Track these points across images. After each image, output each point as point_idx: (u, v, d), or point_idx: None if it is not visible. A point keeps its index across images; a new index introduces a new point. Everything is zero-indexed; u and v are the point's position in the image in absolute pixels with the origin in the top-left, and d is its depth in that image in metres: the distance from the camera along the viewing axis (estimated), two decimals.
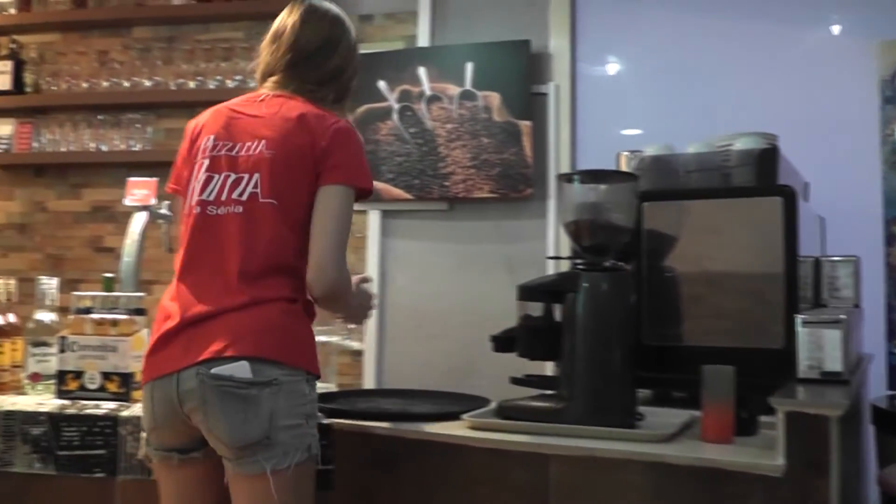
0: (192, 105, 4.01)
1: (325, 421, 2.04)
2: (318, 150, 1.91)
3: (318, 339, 2.00)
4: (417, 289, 3.80)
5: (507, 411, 2.07)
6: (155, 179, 2.69)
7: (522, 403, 2.07)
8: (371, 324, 3.76)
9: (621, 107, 3.74)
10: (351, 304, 2.08)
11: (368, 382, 3.70)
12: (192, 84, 3.99)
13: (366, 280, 2.21)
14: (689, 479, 1.76)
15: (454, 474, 2.01)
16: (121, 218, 4.11)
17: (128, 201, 2.71)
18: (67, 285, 3.36)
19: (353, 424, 2.10)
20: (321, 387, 2.03)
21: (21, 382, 2.47)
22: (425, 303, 3.78)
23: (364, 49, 3.82)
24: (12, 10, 4.37)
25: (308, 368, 1.87)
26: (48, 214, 4.29)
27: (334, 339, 2.67)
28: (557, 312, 2.08)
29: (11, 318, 2.52)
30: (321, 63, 2.06)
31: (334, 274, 1.90)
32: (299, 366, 1.85)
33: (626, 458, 1.80)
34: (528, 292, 2.15)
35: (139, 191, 2.71)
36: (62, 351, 2.33)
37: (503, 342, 2.18)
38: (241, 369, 1.77)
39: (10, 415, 2.22)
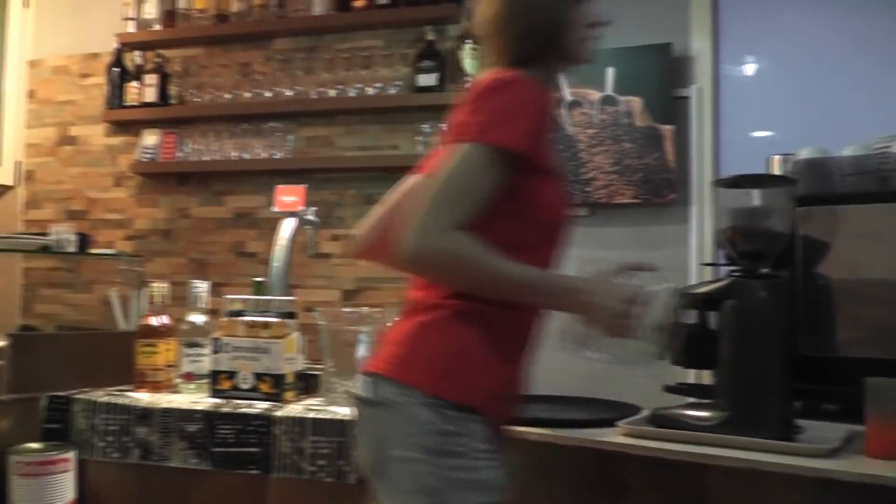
0: (333, 113, 4.11)
1: None
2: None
3: None
4: None
5: (662, 419, 2.04)
6: (303, 186, 2.75)
7: (679, 412, 2.03)
8: None
9: (765, 108, 3.65)
10: (509, 290, 1.64)
11: None
12: (332, 92, 4.07)
13: (636, 268, 1.81)
14: (854, 496, 1.69)
15: (610, 482, 1.98)
16: (262, 224, 4.22)
17: (276, 207, 2.76)
18: (211, 289, 3.46)
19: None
20: None
21: (174, 381, 2.55)
22: None
23: None
24: (157, 27, 4.53)
25: (429, 390, 1.56)
26: (192, 221, 4.43)
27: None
28: (712, 320, 2.04)
29: (165, 319, 2.59)
30: (489, 26, 1.78)
31: (414, 238, 1.52)
32: (415, 385, 1.56)
33: (788, 472, 1.75)
34: (682, 300, 2.11)
35: (287, 197, 2.77)
36: (215, 352, 2.40)
37: None
38: (364, 386, 1.62)
39: (167, 412, 2.29)
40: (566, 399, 2.44)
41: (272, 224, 4.09)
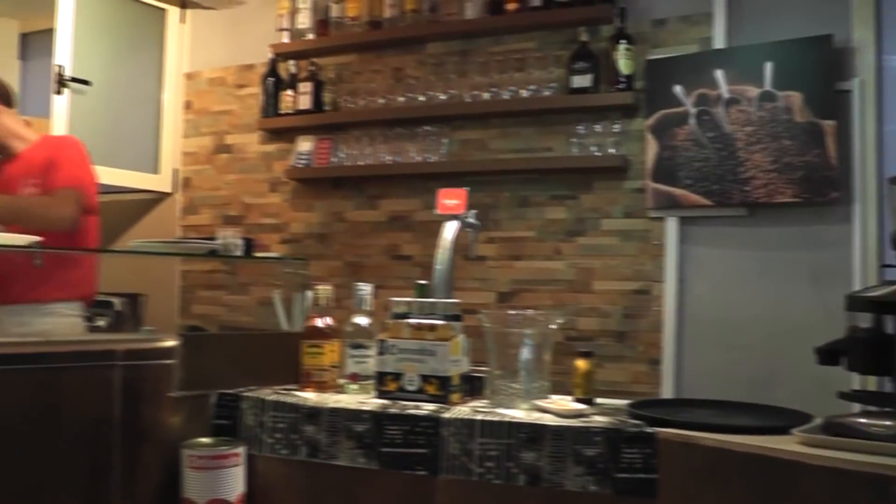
0: (487, 116, 4.11)
1: (649, 430, 1.99)
2: None
3: None
4: (717, 297, 3.69)
5: (839, 428, 1.94)
6: (465, 189, 2.73)
7: (856, 421, 1.93)
8: (669, 333, 3.70)
9: None
10: None
11: (667, 392, 3.63)
12: (486, 95, 4.07)
13: None
14: None
15: (785, 491, 1.90)
16: (417, 227, 4.25)
17: (438, 210, 2.75)
18: None
19: (677, 434, 2.03)
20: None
21: (339, 381, 2.57)
22: (725, 312, 3.66)
23: (658, 54, 3.80)
24: (311, 36, 4.61)
25: None
26: (346, 224, 4.49)
27: None
28: (888, 324, 1.93)
29: (329, 321, 2.61)
30: None
31: None
32: None
33: None
34: (858, 303, 2.01)
35: (449, 200, 2.76)
36: (381, 353, 2.40)
37: (828, 354, 2.04)
38: None
39: (334, 411, 2.30)
40: (732, 404, 2.34)
41: (426, 227, 4.14)
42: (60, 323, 3.35)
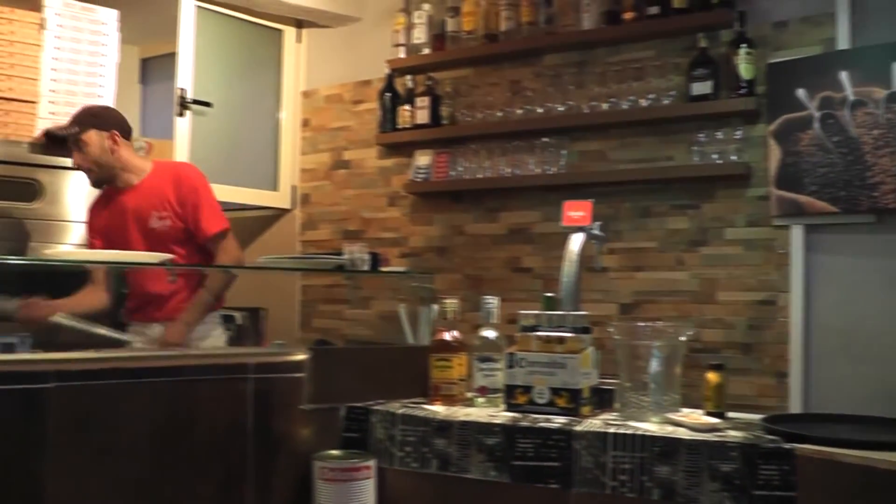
0: (606, 127, 4.08)
1: (786, 445, 1.94)
2: None
3: None
4: (845, 307, 3.58)
5: None
6: (590, 201, 2.71)
7: None
8: (796, 345, 3.60)
9: None
10: None
11: (794, 406, 3.54)
12: (604, 106, 4.04)
13: None
14: None
15: None
16: (537, 239, 4.24)
17: (564, 223, 2.74)
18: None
19: (816, 450, 1.97)
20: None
21: (467, 395, 2.57)
22: (853, 322, 3.55)
23: (780, 57, 3.71)
24: (427, 50, 4.65)
25: None
26: (466, 237, 4.50)
27: None
28: None
29: (456, 334, 2.62)
30: None
31: None
32: None
33: None
34: None
35: (575, 212, 2.74)
36: (510, 366, 2.40)
37: None
38: None
39: (465, 425, 2.30)
40: (870, 419, 2.25)
41: (547, 239, 4.13)
42: (205, 331, 3.58)
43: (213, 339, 3.59)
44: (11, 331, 3.38)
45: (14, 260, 3.28)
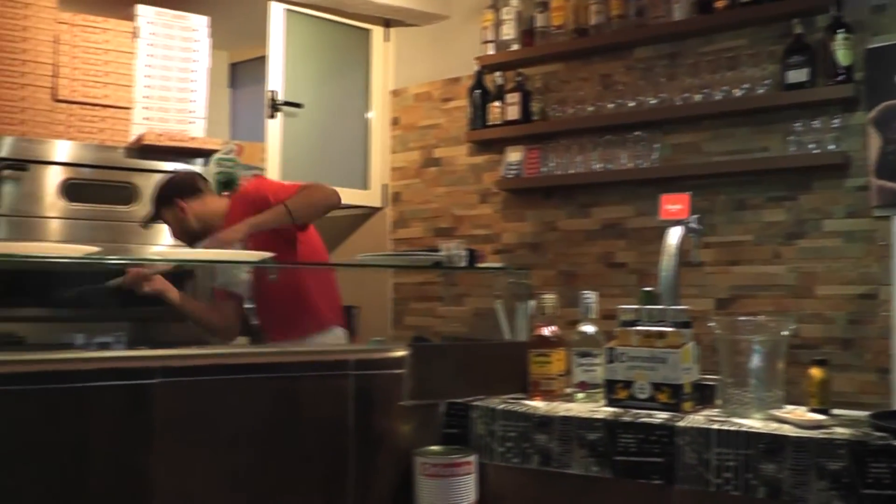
0: (699, 118, 4.03)
1: None
2: None
3: None
4: None
5: None
6: (687, 194, 2.69)
7: None
8: None
9: None
10: None
11: None
12: (697, 97, 3.99)
13: None
14: None
15: None
16: (631, 234, 4.21)
17: (661, 217, 2.72)
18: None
19: None
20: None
21: (565, 390, 2.57)
22: None
23: (879, 41, 3.63)
24: (516, 46, 4.65)
25: None
26: (559, 233, 4.49)
27: None
28: None
29: (555, 329, 2.62)
30: None
31: None
32: None
33: None
34: None
35: (673, 205, 2.71)
36: (610, 361, 2.39)
37: None
38: None
39: (566, 420, 2.30)
40: None
41: (641, 234, 4.10)
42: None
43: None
44: (107, 330, 3.51)
45: (115, 259, 3.37)
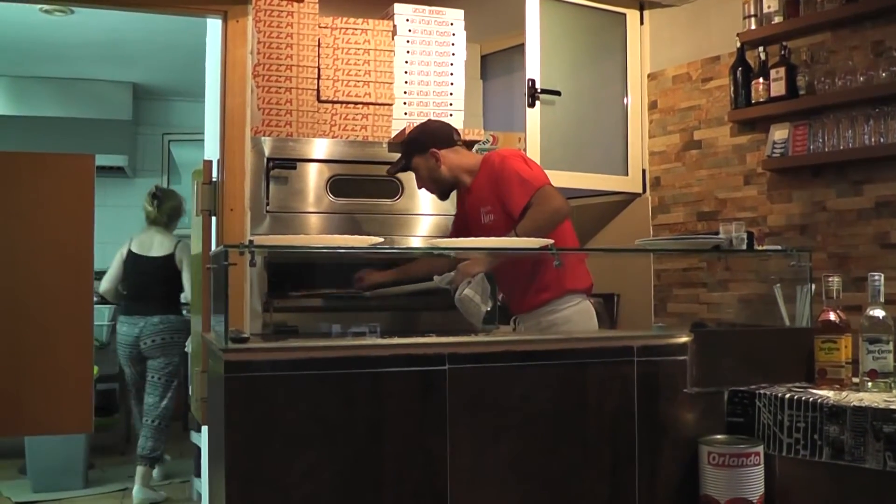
0: None
1: None
2: None
3: None
4: None
5: None
6: None
7: None
8: None
9: None
10: None
11: None
12: None
13: None
14: None
15: None
16: None
17: None
18: (853, 284, 3.32)
19: None
20: None
21: (852, 379, 2.47)
22: None
23: None
24: (779, 19, 4.47)
25: None
26: (829, 213, 4.29)
27: None
28: None
29: (841, 314, 2.53)
30: None
31: None
32: None
33: None
34: None
35: None
36: None
37: None
38: None
39: (859, 410, 2.22)
40: None
41: None
42: (578, 310, 3.58)
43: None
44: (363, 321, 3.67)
45: (388, 249, 3.56)
